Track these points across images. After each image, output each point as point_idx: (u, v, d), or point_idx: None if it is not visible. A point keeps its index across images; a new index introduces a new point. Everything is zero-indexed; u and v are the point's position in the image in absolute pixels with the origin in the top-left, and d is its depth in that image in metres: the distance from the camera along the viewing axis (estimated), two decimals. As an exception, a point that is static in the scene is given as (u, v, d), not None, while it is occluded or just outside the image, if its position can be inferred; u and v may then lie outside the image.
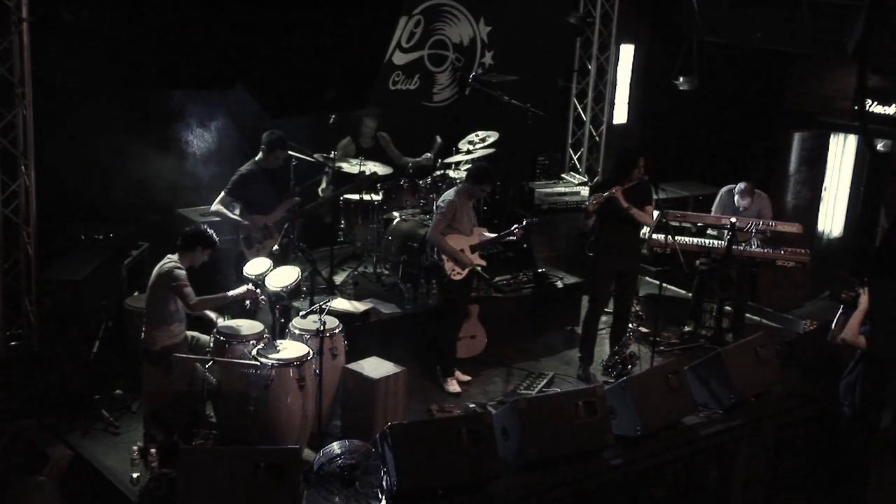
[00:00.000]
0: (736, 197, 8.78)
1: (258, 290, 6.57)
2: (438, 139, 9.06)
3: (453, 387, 7.64)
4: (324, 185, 8.67)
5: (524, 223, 7.89)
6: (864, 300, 7.01)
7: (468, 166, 8.93)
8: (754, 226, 8.59)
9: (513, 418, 6.26)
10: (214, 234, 6.58)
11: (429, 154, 9.01)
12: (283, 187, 7.85)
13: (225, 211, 7.62)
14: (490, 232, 7.86)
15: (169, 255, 6.46)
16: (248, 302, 6.53)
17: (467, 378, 7.76)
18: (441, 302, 7.83)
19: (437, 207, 7.64)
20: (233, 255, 7.63)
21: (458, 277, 7.51)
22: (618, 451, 6.57)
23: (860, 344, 6.93)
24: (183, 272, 6.35)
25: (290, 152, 7.82)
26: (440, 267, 7.48)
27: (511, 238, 7.85)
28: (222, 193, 7.63)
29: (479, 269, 7.75)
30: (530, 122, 9.59)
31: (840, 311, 7.16)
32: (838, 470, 7.38)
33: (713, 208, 9.07)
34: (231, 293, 6.49)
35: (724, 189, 9.00)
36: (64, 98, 7.59)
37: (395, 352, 7.06)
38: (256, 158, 7.72)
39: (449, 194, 7.60)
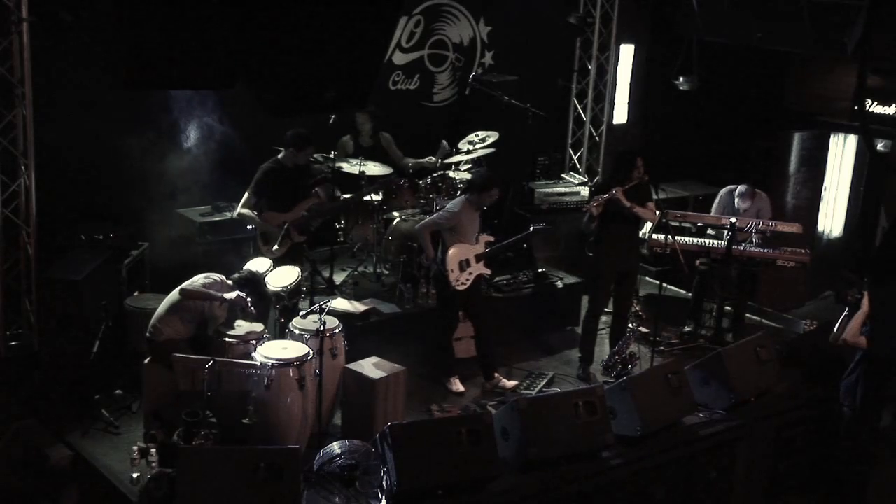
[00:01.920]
0: (736, 199, 8.78)
1: (247, 297, 6.57)
2: (445, 144, 9.04)
3: (456, 386, 7.64)
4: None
5: (532, 229, 7.89)
6: (865, 301, 7.02)
7: (468, 166, 8.94)
8: (754, 226, 8.59)
9: (513, 418, 6.26)
10: (265, 289, 6.82)
11: (432, 157, 9.00)
12: (303, 186, 7.85)
13: (248, 214, 7.61)
14: (495, 238, 7.81)
15: (225, 278, 6.62)
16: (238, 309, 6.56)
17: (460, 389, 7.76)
18: (437, 305, 7.83)
19: (441, 210, 7.63)
20: (240, 254, 7.64)
21: (461, 288, 7.49)
22: (618, 451, 6.56)
23: (861, 344, 6.94)
24: (214, 283, 6.49)
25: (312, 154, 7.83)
26: (444, 276, 7.46)
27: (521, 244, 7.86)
28: (246, 194, 7.59)
29: (485, 277, 7.75)
30: (530, 122, 9.58)
31: (845, 312, 7.15)
32: (838, 470, 7.38)
33: (713, 208, 9.07)
34: (223, 295, 6.51)
35: (725, 189, 8.99)
36: (64, 98, 7.59)
37: (395, 352, 7.06)
38: (279, 156, 7.69)
39: (455, 205, 7.51)
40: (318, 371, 6.39)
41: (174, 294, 6.52)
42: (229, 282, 6.62)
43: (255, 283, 6.72)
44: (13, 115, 7.08)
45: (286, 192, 7.67)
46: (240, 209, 7.63)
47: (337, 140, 8.84)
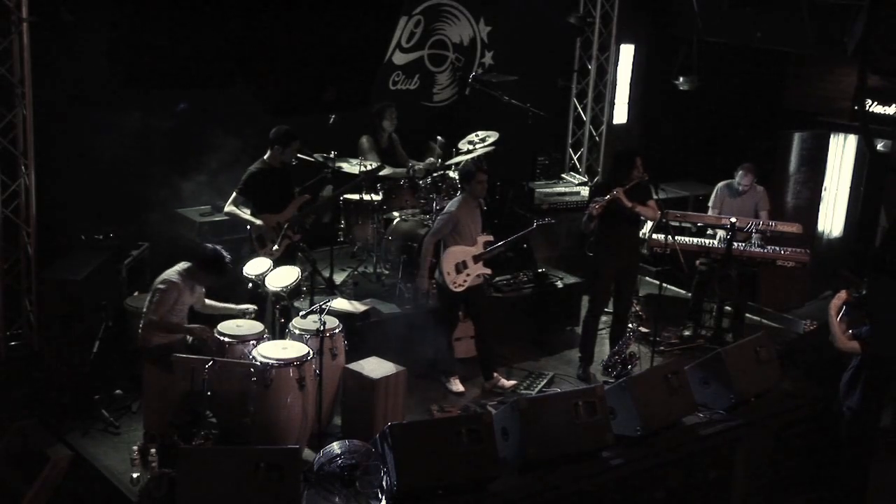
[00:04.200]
0: (737, 175, 8.76)
1: (211, 330, 6.51)
2: (440, 139, 9.04)
3: (456, 386, 7.63)
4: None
5: (535, 225, 7.89)
6: (834, 303, 7.04)
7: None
8: (754, 226, 8.59)
9: (513, 418, 6.26)
10: (228, 264, 6.67)
11: (432, 159, 9.00)
12: (292, 185, 7.85)
13: (237, 211, 7.62)
14: (495, 237, 7.79)
15: (182, 264, 6.54)
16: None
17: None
18: (438, 305, 7.82)
19: (439, 216, 7.59)
20: (240, 254, 7.64)
21: (459, 289, 7.48)
22: (618, 451, 6.56)
23: (855, 349, 6.94)
24: (173, 284, 6.41)
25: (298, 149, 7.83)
26: (443, 277, 7.44)
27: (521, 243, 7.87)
28: (234, 194, 7.60)
29: (485, 277, 7.74)
30: (530, 122, 9.59)
31: (842, 311, 7.16)
32: (838, 470, 7.38)
33: (710, 202, 9.07)
34: (187, 326, 6.51)
35: (721, 183, 9.00)
36: (64, 98, 7.59)
37: (395, 352, 7.06)
38: (265, 157, 7.69)
39: (451, 204, 7.52)
40: (318, 371, 6.39)
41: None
42: (184, 270, 6.50)
43: (216, 261, 6.57)
44: (13, 115, 7.09)
45: (276, 193, 7.68)
46: (227, 207, 7.64)
47: (345, 140, 8.83)
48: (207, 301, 6.79)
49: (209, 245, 6.77)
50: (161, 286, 6.45)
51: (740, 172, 8.78)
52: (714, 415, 7.18)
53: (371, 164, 8.43)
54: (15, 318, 7.37)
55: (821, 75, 11.49)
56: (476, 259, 7.55)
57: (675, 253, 8.04)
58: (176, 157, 8.23)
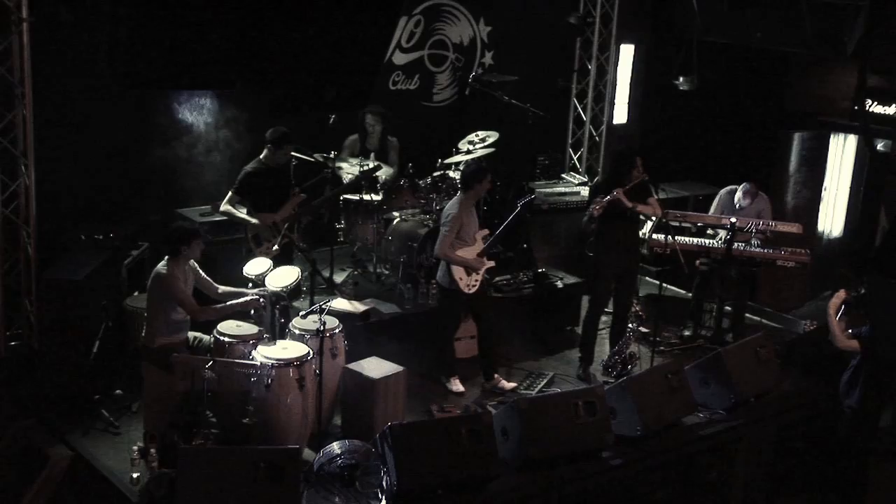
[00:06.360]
0: (738, 194, 8.75)
1: (260, 298, 6.57)
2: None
3: (456, 386, 7.63)
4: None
5: (519, 206, 7.82)
6: (833, 302, 7.06)
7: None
8: (754, 226, 8.58)
9: (513, 418, 6.26)
10: (189, 225, 6.60)
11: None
12: (289, 185, 7.85)
13: (233, 210, 7.62)
14: (490, 231, 7.78)
15: (167, 257, 6.50)
16: (252, 311, 6.56)
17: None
18: (439, 306, 7.80)
19: (442, 223, 7.46)
20: (240, 254, 7.65)
21: (473, 291, 7.47)
22: (618, 451, 6.57)
23: (853, 347, 6.95)
24: (174, 279, 6.36)
25: (291, 151, 7.82)
26: (454, 283, 7.38)
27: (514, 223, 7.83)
28: (230, 193, 7.61)
29: (486, 276, 7.73)
30: (530, 122, 9.59)
31: (841, 310, 7.17)
32: (838, 470, 7.39)
33: (712, 208, 9.05)
34: (234, 303, 6.52)
35: (724, 190, 8.98)
36: (64, 98, 7.59)
37: (395, 352, 7.06)
38: (261, 156, 7.69)
39: (452, 209, 7.41)
40: (318, 371, 6.39)
41: (153, 300, 6.43)
42: (168, 262, 6.42)
43: (175, 234, 6.54)
44: (13, 115, 7.09)
45: (273, 193, 7.68)
46: (223, 206, 7.64)
47: (343, 140, 8.83)
48: (221, 289, 6.77)
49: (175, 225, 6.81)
50: (167, 285, 6.36)
51: (739, 194, 8.74)
52: (714, 415, 7.18)
53: (370, 165, 8.43)
54: (15, 318, 7.37)
55: (821, 75, 11.50)
56: (479, 256, 7.54)
57: (675, 253, 8.04)
58: (176, 157, 8.23)
